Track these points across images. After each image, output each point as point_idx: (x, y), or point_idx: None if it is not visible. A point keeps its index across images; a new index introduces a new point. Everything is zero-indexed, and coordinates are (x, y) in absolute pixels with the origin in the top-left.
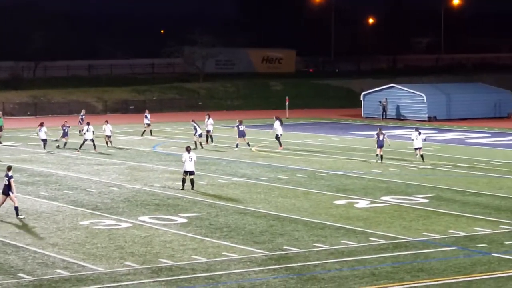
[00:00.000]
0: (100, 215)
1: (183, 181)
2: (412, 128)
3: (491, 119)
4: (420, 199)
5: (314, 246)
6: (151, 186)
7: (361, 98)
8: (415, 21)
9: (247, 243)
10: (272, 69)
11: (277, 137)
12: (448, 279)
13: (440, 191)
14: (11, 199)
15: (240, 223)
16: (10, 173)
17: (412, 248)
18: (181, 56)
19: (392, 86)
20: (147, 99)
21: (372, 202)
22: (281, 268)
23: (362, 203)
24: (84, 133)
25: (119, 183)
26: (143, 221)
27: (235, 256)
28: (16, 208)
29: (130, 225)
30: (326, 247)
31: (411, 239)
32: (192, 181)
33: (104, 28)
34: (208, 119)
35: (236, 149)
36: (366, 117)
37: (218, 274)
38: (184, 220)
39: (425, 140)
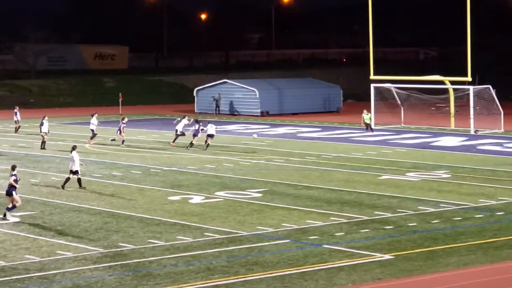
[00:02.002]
0: None
1: (67, 180)
2: (245, 123)
3: (322, 113)
4: (254, 193)
5: (150, 242)
6: None
7: (195, 94)
8: (247, 17)
9: (81, 241)
10: (105, 65)
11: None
12: (281, 271)
13: (273, 185)
14: (13, 199)
15: (74, 221)
16: (14, 172)
17: (246, 242)
18: (12, 53)
19: (225, 82)
20: None
21: (207, 198)
22: (116, 265)
23: (197, 199)
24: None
25: None
26: None
27: (69, 254)
28: (11, 208)
29: None
30: (162, 243)
31: (245, 233)
32: (78, 180)
33: None
34: (93, 117)
35: (113, 141)
36: (200, 112)
37: (52, 273)
38: (17, 219)
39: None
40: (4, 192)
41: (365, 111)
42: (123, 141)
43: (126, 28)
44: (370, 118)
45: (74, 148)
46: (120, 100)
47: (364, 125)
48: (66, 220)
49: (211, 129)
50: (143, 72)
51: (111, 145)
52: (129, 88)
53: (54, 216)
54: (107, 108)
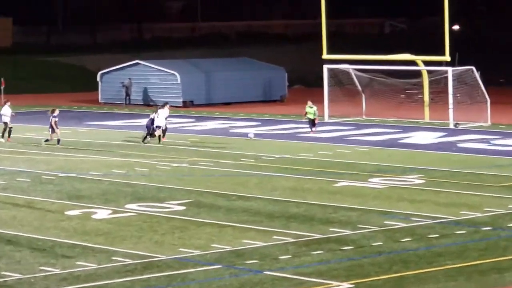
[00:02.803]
0: None
1: None
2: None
3: (261, 103)
4: (176, 206)
5: (42, 270)
6: None
7: (98, 79)
8: None
9: None
10: None
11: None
12: None
13: (199, 196)
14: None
15: None
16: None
17: (166, 269)
18: None
19: (137, 63)
20: None
21: (115, 212)
22: None
23: (102, 213)
24: None
25: None
26: None
27: None
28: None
29: None
30: (57, 271)
31: (164, 258)
32: None
33: None
34: (4, 106)
35: (48, 142)
36: (105, 102)
37: None
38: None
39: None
40: None
41: (309, 102)
42: (58, 140)
43: None
44: (315, 113)
45: None
46: (2, 88)
47: (306, 120)
48: None
49: (158, 119)
50: (32, 50)
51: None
52: (14, 71)
53: None
54: None
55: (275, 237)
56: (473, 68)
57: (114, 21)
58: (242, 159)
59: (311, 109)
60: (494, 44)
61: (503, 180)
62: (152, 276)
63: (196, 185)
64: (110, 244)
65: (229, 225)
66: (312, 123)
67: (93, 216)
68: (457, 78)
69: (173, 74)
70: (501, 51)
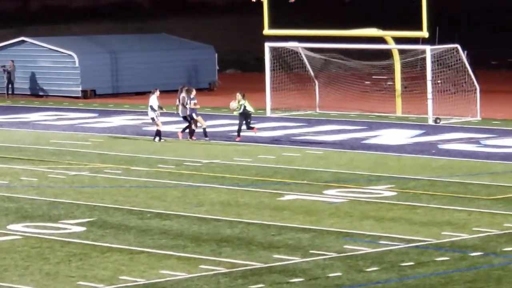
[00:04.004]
0: None
1: None
2: (56, 109)
3: None
4: (73, 226)
5: None
6: None
7: None
8: None
9: None
10: None
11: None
12: None
13: (104, 213)
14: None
15: None
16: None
17: None
18: None
19: (23, 41)
20: None
21: None
22: None
23: None
24: None
25: None
26: None
27: None
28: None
29: None
30: None
31: None
32: None
33: None
34: None
35: None
36: None
37: None
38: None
39: None
40: None
41: (238, 94)
42: None
43: None
44: (243, 106)
45: None
46: None
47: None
48: None
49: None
50: None
51: None
52: None
53: None
54: None
55: (202, 266)
56: (458, 46)
57: None
58: (159, 166)
59: (237, 103)
60: (484, 17)
61: (496, 191)
62: None
63: (100, 200)
64: None
65: (143, 251)
66: (243, 120)
67: None
68: (438, 59)
69: (70, 56)
70: (492, 25)
